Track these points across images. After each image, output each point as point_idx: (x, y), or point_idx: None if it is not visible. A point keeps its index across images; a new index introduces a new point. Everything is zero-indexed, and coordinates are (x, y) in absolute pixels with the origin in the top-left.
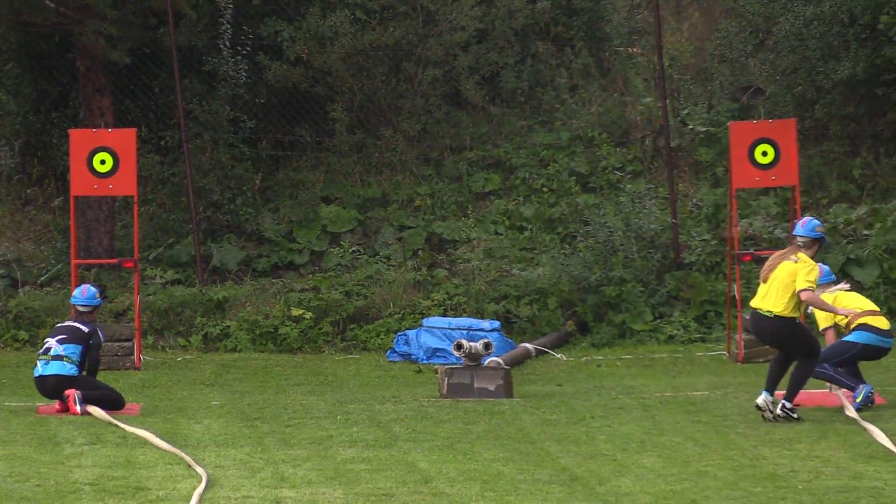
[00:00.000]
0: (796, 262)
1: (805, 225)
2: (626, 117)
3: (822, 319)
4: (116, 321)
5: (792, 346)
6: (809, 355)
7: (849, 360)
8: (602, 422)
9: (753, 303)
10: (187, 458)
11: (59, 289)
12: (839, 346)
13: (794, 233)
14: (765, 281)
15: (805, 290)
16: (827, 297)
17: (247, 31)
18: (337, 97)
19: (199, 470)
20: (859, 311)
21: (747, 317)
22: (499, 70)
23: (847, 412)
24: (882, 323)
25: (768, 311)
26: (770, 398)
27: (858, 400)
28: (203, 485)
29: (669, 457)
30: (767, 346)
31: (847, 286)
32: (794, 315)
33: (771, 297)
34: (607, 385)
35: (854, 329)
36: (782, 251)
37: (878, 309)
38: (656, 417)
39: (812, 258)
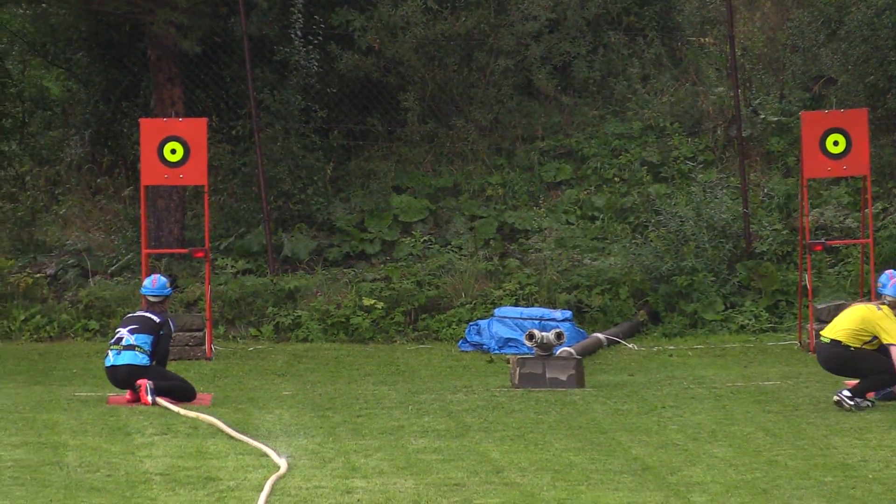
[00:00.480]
0: (879, 309)
1: (894, 284)
2: (698, 107)
3: (893, 336)
4: (187, 311)
5: (848, 370)
6: (878, 372)
7: None
8: (673, 411)
9: (822, 331)
10: (266, 449)
11: (129, 278)
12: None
13: (881, 290)
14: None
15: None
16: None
17: (318, 20)
18: (408, 87)
19: (281, 460)
20: None
21: (819, 306)
22: (571, 60)
23: None
24: None
25: (826, 338)
26: (846, 392)
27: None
28: (281, 472)
29: (740, 446)
30: None
31: None
32: (853, 346)
33: (836, 326)
34: (678, 375)
35: None
36: (868, 301)
37: None
38: (727, 407)
39: None
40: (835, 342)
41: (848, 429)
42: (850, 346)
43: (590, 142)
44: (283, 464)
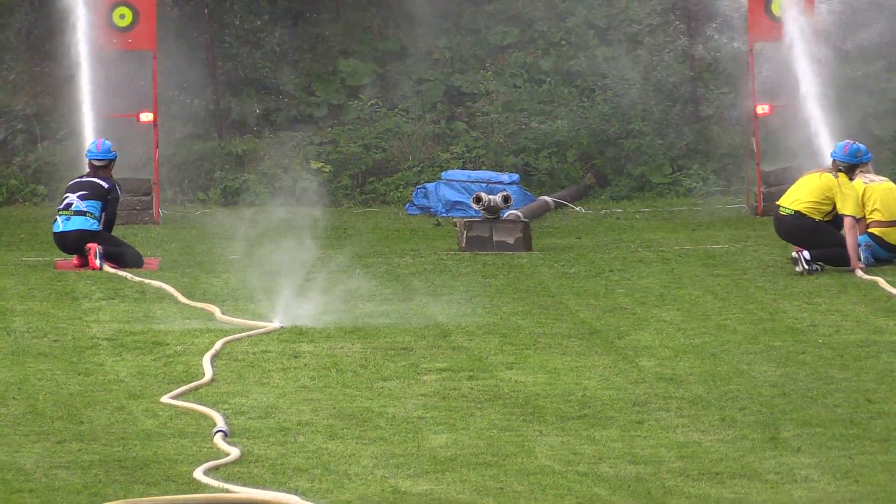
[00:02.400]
0: (836, 177)
1: (848, 151)
2: None
3: (848, 206)
4: (135, 175)
5: (811, 242)
6: (836, 245)
7: None
8: (621, 275)
9: (779, 201)
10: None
11: (77, 143)
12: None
13: (833, 155)
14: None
15: (850, 216)
16: (858, 184)
17: None
18: None
19: (274, 323)
20: (880, 218)
21: (766, 169)
22: None
23: (858, 274)
24: (893, 237)
25: (788, 209)
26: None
27: (862, 259)
28: (272, 327)
29: (689, 310)
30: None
31: (882, 179)
32: (816, 218)
33: (796, 198)
34: (626, 238)
35: (865, 233)
36: (820, 168)
37: None
38: (675, 271)
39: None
40: (798, 214)
41: (797, 293)
42: (814, 219)
43: (537, 5)
44: (275, 324)
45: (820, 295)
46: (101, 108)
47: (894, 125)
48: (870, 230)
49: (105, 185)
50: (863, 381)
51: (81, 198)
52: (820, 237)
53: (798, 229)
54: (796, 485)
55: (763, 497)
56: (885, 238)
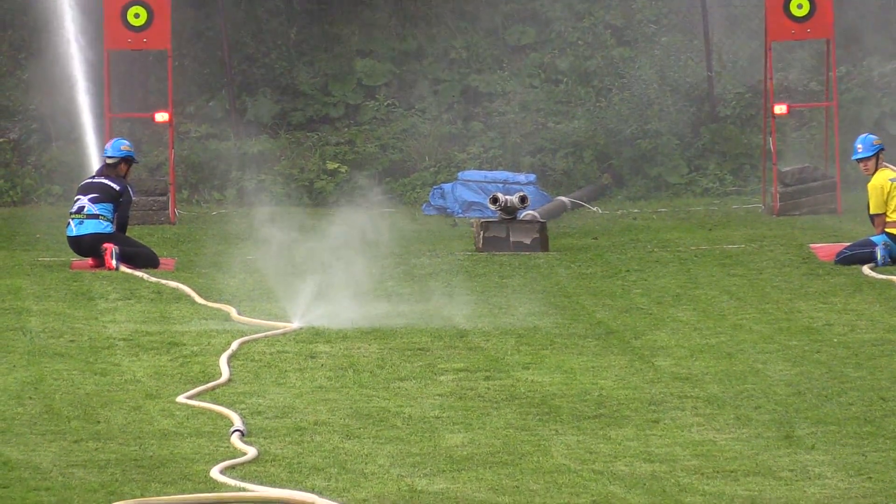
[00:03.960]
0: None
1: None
2: None
3: (875, 205)
4: (151, 176)
5: None
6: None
7: None
8: (638, 275)
9: None
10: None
11: (89, 144)
12: (862, 241)
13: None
14: None
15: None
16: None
17: None
18: None
19: (294, 324)
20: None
21: (783, 169)
22: None
23: (869, 274)
24: None
25: None
26: None
27: (879, 258)
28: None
29: (705, 310)
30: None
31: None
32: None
33: None
34: (643, 238)
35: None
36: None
37: None
38: (692, 271)
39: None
40: None
41: (813, 293)
42: None
43: (553, 5)
44: (294, 325)
45: (835, 294)
46: (114, 108)
47: None
48: (887, 230)
49: (116, 186)
50: (877, 379)
51: (93, 201)
52: None
53: None
54: (810, 482)
55: (777, 494)
56: None
